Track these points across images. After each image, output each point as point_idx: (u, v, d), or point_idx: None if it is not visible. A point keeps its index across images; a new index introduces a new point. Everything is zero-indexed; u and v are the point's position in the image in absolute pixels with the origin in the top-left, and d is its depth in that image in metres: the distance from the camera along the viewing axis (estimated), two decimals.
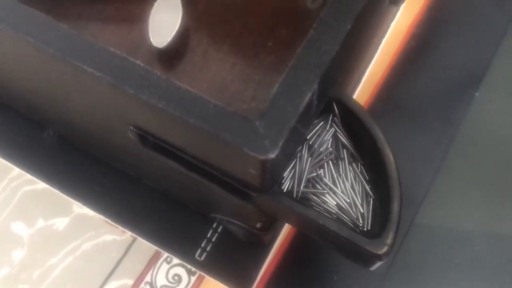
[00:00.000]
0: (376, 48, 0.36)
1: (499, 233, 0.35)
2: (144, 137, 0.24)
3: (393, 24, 0.39)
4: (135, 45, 0.24)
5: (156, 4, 0.24)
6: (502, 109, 0.39)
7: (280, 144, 0.20)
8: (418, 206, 0.36)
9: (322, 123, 0.26)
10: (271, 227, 0.28)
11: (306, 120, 0.22)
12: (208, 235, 0.32)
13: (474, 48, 0.40)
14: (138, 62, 0.21)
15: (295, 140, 0.22)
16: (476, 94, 0.39)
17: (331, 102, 0.26)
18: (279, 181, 0.23)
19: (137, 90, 0.21)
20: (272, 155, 0.20)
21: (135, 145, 0.26)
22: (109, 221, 0.34)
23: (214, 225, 0.32)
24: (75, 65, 0.21)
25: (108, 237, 0.35)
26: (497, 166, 0.37)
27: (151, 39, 0.23)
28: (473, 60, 0.40)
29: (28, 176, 0.36)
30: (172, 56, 0.24)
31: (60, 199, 0.35)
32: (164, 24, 0.23)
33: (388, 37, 0.39)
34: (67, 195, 0.35)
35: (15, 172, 0.36)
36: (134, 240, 0.34)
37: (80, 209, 0.35)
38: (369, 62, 0.35)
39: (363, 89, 0.38)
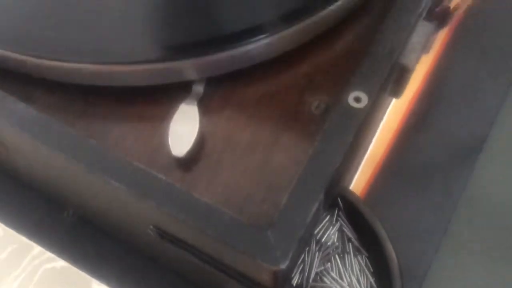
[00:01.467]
0: (377, 129, 0.38)
1: None
2: (163, 234, 0.26)
3: (392, 103, 0.41)
4: (155, 152, 0.26)
5: (175, 116, 0.27)
6: (503, 179, 0.41)
7: (290, 255, 0.21)
8: (422, 279, 0.37)
9: (328, 216, 0.28)
10: None
11: (313, 224, 0.24)
12: None
13: (473, 120, 0.42)
14: (160, 176, 0.23)
15: (304, 244, 0.24)
16: (476, 164, 0.41)
17: (336, 197, 0.28)
18: (289, 279, 0.25)
19: (159, 203, 0.23)
20: (283, 266, 0.21)
21: (154, 238, 0.27)
22: None
23: None
24: (103, 178, 0.24)
25: None
26: (500, 237, 0.38)
27: (171, 150, 0.26)
28: (472, 132, 0.42)
29: (48, 254, 0.38)
30: (189, 162, 0.26)
31: (79, 277, 0.37)
32: (182, 135, 0.26)
33: (388, 114, 0.41)
34: (86, 273, 0.36)
35: (36, 250, 0.38)
36: None
37: (99, 287, 0.37)
38: (370, 142, 0.37)
39: (366, 166, 0.40)
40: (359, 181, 0.40)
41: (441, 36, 0.45)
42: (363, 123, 0.25)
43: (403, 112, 0.43)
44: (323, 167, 0.23)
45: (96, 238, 0.39)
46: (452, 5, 0.36)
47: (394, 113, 0.43)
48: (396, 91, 0.32)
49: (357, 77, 0.26)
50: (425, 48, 0.33)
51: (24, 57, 0.27)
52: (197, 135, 0.26)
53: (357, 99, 0.25)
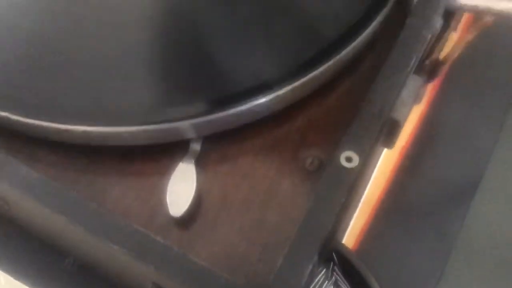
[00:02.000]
0: (370, 177, 0.38)
1: None
2: None
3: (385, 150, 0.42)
4: (154, 211, 0.27)
5: (173, 176, 0.27)
6: (498, 221, 0.41)
7: None
8: None
9: (324, 270, 0.28)
10: None
11: (309, 282, 0.25)
12: None
13: (466, 163, 0.43)
14: (158, 238, 0.24)
15: None
16: (471, 207, 0.41)
17: (331, 252, 0.28)
18: None
19: (157, 266, 0.23)
20: None
21: None
22: None
23: None
24: (102, 241, 0.24)
25: None
26: (497, 282, 0.39)
27: (169, 210, 0.26)
28: (466, 175, 0.42)
29: None
30: (186, 221, 0.27)
31: None
32: (180, 195, 0.26)
33: (381, 160, 0.42)
34: None
35: None
36: None
37: None
38: (364, 191, 0.38)
39: (361, 212, 0.40)
40: (354, 228, 0.41)
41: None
42: (355, 181, 0.26)
43: (396, 157, 0.44)
44: (316, 230, 0.24)
45: (98, 287, 0.39)
46: (441, 56, 0.37)
47: (387, 158, 0.44)
48: (388, 143, 0.33)
49: (348, 137, 0.26)
50: (415, 101, 0.34)
51: (24, 120, 0.28)
52: (195, 194, 0.27)
53: (349, 159, 0.26)
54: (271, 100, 0.28)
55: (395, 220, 0.41)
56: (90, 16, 0.30)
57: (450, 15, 0.34)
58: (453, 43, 0.36)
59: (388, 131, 0.32)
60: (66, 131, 0.28)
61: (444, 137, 0.45)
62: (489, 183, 0.43)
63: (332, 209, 0.25)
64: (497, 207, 0.42)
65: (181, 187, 0.27)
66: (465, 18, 0.40)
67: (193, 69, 0.28)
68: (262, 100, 0.28)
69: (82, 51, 0.29)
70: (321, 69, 0.29)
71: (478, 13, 0.34)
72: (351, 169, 0.26)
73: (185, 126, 0.27)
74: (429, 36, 0.31)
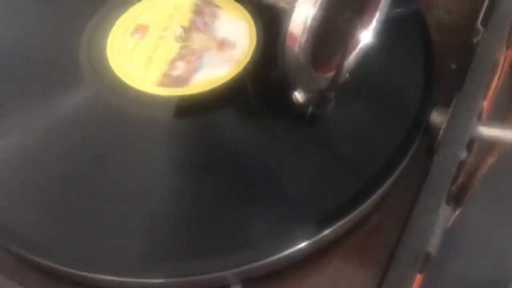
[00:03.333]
0: None
1: None
2: None
3: None
4: None
5: None
6: None
7: None
8: None
9: None
10: None
11: None
12: None
13: (492, 267, 0.43)
14: None
15: None
16: None
17: None
18: None
19: None
20: None
21: None
22: None
23: None
24: None
25: None
26: None
27: None
28: (494, 277, 0.43)
29: None
30: None
31: None
32: None
33: None
34: None
35: None
36: None
37: None
38: None
39: None
40: None
41: None
42: None
43: None
44: None
45: None
46: (464, 179, 0.38)
47: None
48: (420, 269, 0.34)
49: (388, 285, 0.27)
50: (445, 228, 0.34)
51: (67, 269, 0.29)
52: None
53: None
54: (311, 244, 0.29)
55: None
56: (133, 175, 0.31)
57: (472, 144, 0.35)
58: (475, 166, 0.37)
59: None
60: (112, 281, 0.29)
61: (468, 240, 0.45)
62: None
63: None
64: None
65: None
66: None
67: (235, 221, 0.30)
68: (302, 245, 0.29)
69: (121, 205, 0.30)
70: (356, 211, 0.30)
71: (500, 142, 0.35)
72: None
73: (226, 275, 0.28)
74: (456, 169, 0.32)
